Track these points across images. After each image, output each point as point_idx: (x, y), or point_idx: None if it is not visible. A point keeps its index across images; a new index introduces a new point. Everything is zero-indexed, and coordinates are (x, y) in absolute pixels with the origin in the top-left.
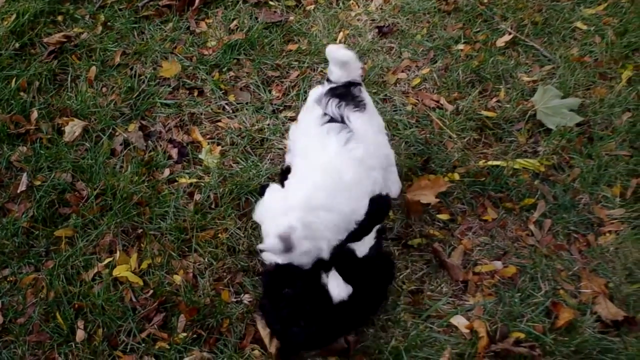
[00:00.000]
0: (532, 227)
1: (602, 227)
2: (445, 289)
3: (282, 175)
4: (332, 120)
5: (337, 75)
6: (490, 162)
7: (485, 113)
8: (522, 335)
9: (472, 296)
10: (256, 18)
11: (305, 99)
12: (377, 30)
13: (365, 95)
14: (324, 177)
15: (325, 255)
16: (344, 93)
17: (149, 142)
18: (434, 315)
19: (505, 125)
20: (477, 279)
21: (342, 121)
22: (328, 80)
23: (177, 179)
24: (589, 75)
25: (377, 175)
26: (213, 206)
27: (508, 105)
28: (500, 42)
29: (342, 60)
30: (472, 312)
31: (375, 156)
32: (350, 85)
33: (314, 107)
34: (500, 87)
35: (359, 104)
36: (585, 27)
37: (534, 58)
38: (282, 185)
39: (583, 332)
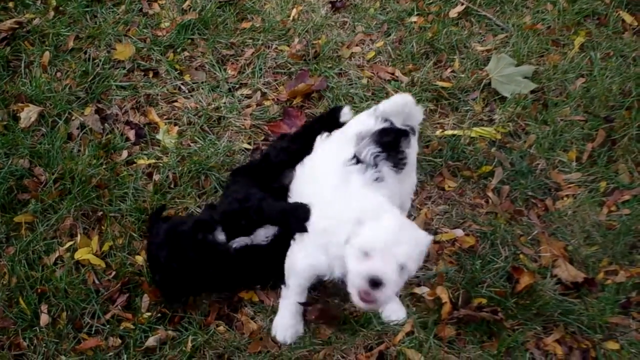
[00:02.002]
0: (490, 194)
1: (560, 191)
2: None
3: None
4: (358, 161)
5: (398, 120)
6: (447, 132)
7: (440, 84)
8: (484, 301)
9: (434, 264)
10: None
11: (261, 76)
12: (330, 5)
13: (412, 147)
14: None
15: None
16: (391, 144)
17: (106, 125)
18: None
19: (461, 94)
20: (438, 248)
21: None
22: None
23: (135, 160)
24: (542, 43)
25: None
26: (172, 186)
27: (463, 75)
28: (453, 12)
29: (406, 112)
30: (434, 280)
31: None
32: (401, 134)
33: (348, 143)
34: (455, 57)
35: (398, 163)
36: None
37: (487, 27)
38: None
39: (544, 294)
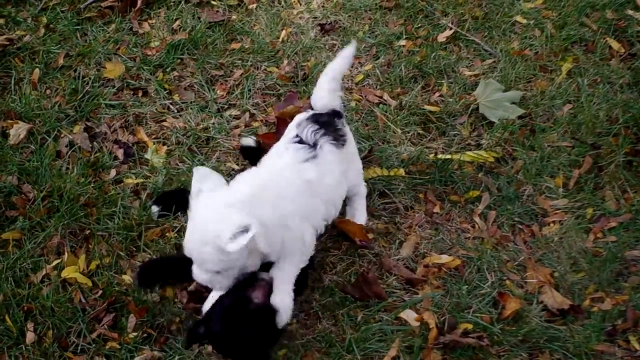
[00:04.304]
0: (477, 219)
1: (546, 217)
2: (395, 282)
3: None
4: (300, 141)
5: (323, 102)
6: (440, 156)
7: (428, 108)
8: (470, 326)
9: (420, 289)
10: (199, 18)
11: (250, 97)
12: (319, 27)
13: (347, 131)
14: (268, 177)
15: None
16: (327, 122)
17: (95, 143)
18: (383, 309)
19: (449, 119)
20: (425, 272)
21: (313, 147)
22: (311, 109)
23: (123, 179)
24: (530, 68)
25: (323, 207)
26: None
27: (451, 100)
28: (442, 37)
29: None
30: (421, 304)
31: (329, 190)
32: (334, 114)
33: (290, 131)
34: (443, 81)
35: (339, 138)
36: (525, 21)
37: (475, 52)
38: None
39: (530, 321)
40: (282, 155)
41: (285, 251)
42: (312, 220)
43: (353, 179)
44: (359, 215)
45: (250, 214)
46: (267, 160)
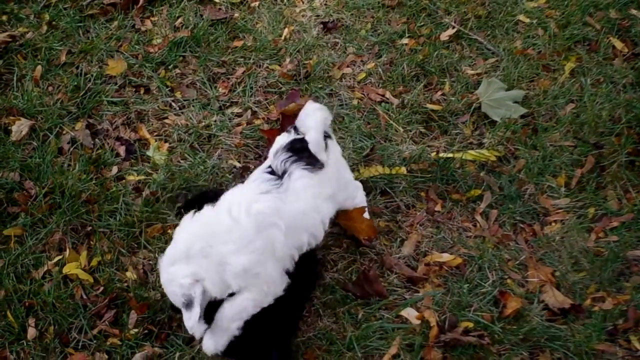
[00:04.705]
0: (478, 217)
1: (548, 216)
2: (396, 280)
3: None
4: (272, 173)
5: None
6: (442, 155)
7: (430, 106)
8: (470, 325)
9: (421, 287)
10: (201, 15)
11: (252, 94)
12: (321, 25)
13: (330, 151)
14: (206, 223)
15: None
16: (303, 148)
17: (97, 140)
18: (384, 307)
19: (451, 117)
20: (426, 270)
21: (281, 176)
22: (295, 128)
23: (125, 176)
24: (533, 68)
25: (282, 237)
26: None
27: (453, 98)
28: (444, 36)
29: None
30: (421, 302)
31: (295, 218)
32: None
33: (269, 157)
34: (445, 80)
35: (314, 163)
36: (528, 20)
37: (478, 51)
38: None
39: (531, 320)
40: (240, 190)
41: (242, 285)
42: (270, 252)
43: (345, 195)
44: None
45: (190, 265)
46: (228, 194)
